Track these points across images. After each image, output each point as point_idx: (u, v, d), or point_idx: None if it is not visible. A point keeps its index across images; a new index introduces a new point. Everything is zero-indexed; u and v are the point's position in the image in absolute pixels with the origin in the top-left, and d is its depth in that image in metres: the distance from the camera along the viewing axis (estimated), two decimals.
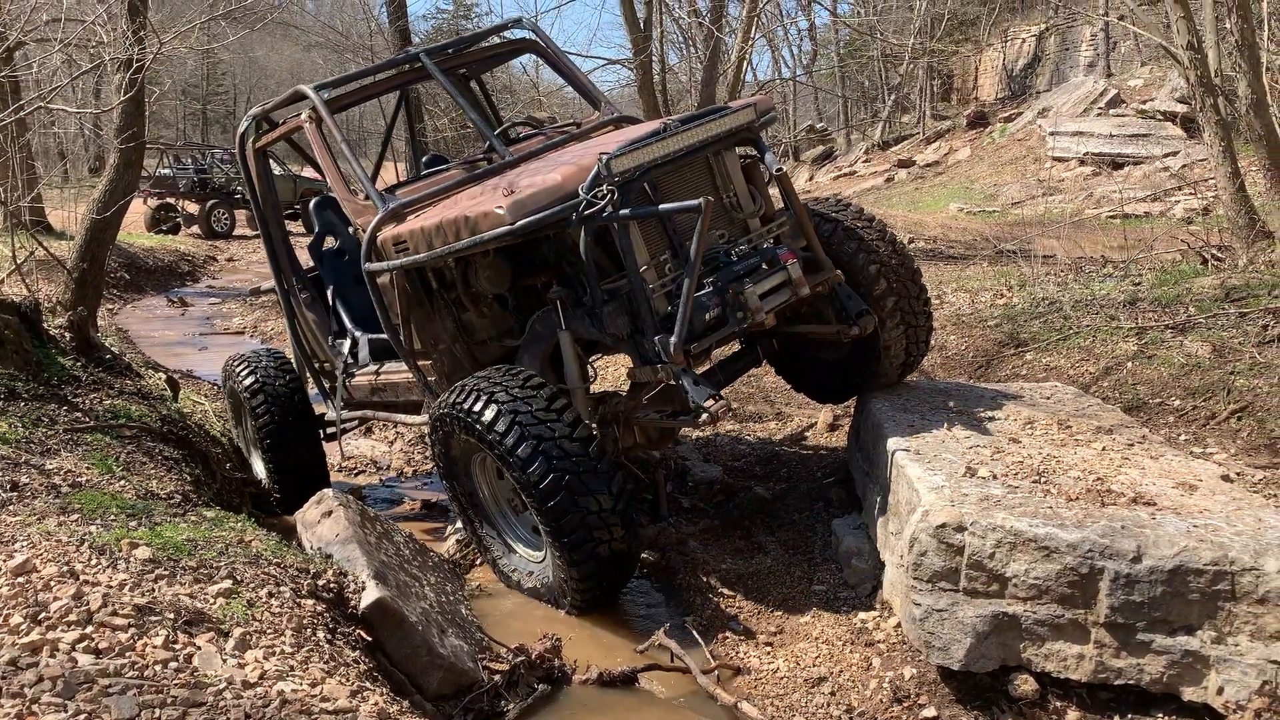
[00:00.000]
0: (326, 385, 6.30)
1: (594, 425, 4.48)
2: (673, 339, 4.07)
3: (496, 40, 6.55)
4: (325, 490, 4.45)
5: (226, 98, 49.56)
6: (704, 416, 4.08)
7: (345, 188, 5.18)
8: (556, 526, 4.12)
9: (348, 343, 5.86)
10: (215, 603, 3.06)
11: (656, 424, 4.58)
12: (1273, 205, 7.32)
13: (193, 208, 25.18)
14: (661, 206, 4.12)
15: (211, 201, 24.67)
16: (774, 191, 4.93)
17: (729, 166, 4.67)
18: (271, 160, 6.42)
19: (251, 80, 46.85)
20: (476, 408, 4.20)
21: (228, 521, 4.11)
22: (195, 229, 24.72)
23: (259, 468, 6.52)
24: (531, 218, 4.09)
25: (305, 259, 6.54)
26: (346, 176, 5.33)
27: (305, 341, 6.33)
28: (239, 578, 3.31)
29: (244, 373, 6.29)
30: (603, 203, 3.99)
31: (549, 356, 4.71)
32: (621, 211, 4.03)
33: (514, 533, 4.73)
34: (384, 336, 5.25)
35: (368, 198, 5.02)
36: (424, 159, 6.69)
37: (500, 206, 4.12)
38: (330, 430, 6.32)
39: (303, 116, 5.31)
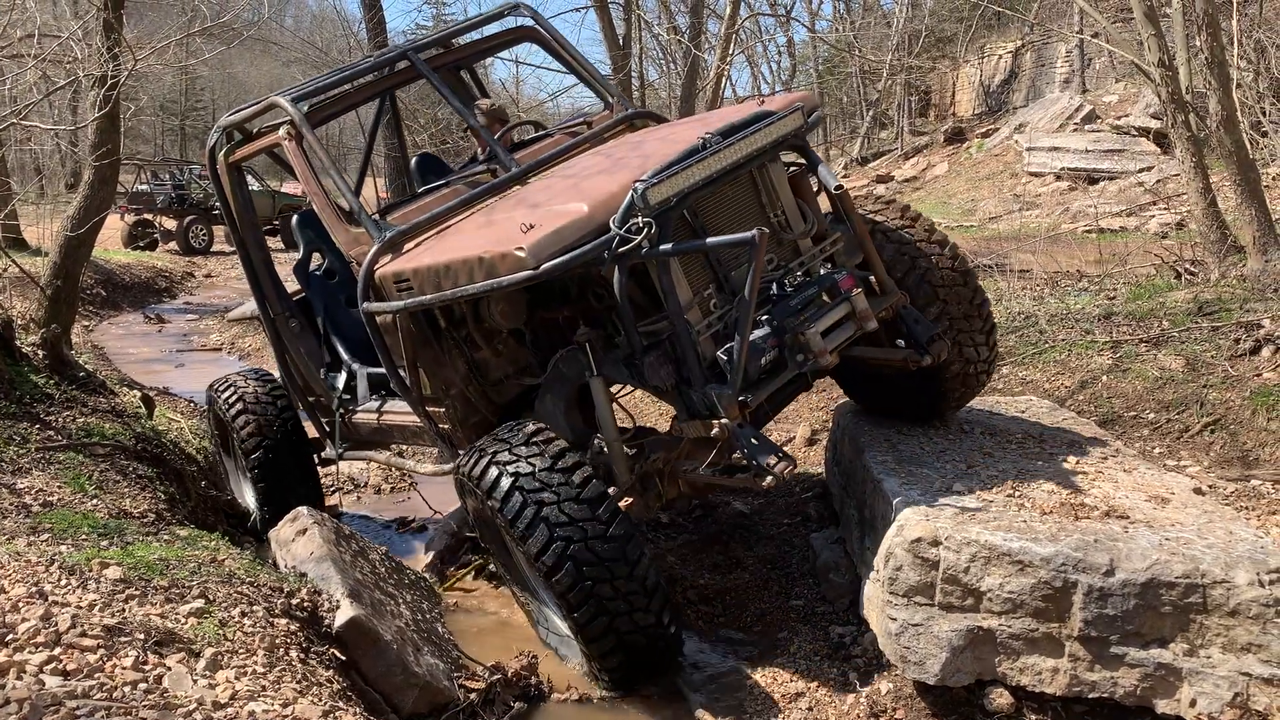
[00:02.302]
0: (325, 422, 5.64)
1: (633, 480, 3.95)
2: (727, 391, 3.58)
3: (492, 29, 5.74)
4: (300, 508, 4.42)
5: (205, 113, 49.37)
6: (768, 479, 3.53)
7: (334, 213, 4.59)
8: (566, 606, 3.61)
9: (343, 376, 5.35)
10: (187, 623, 3.04)
11: (706, 480, 3.93)
12: (1243, 220, 7.40)
13: (170, 223, 25.05)
14: (709, 241, 3.61)
15: (189, 217, 24.55)
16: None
17: (775, 180, 4.13)
18: (247, 174, 5.97)
19: (230, 96, 46.69)
20: (477, 471, 3.73)
21: (201, 540, 4.08)
22: (173, 245, 24.59)
23: (249, 499, 6.02)
24: (557, 261, 3.51)
25: (286, 275, 6.06)
26: (335, 200, 4.73)
27: (296, 374, 5.69)
28: (211, 597, 3.29)
29: (230, 398, 5.78)
30: (639, 238, 3.47)
31: (575, 398, 4.18)
32: (661, 247, 3.52)
33: (544, 599, 4.20)
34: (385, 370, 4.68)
35: (359, 223, 4.47)
36: (415, 161, 6.01)
37: (520, 247, 3.54)
38: (326, 455, 5.78)
39: (280, 133, 4.72)
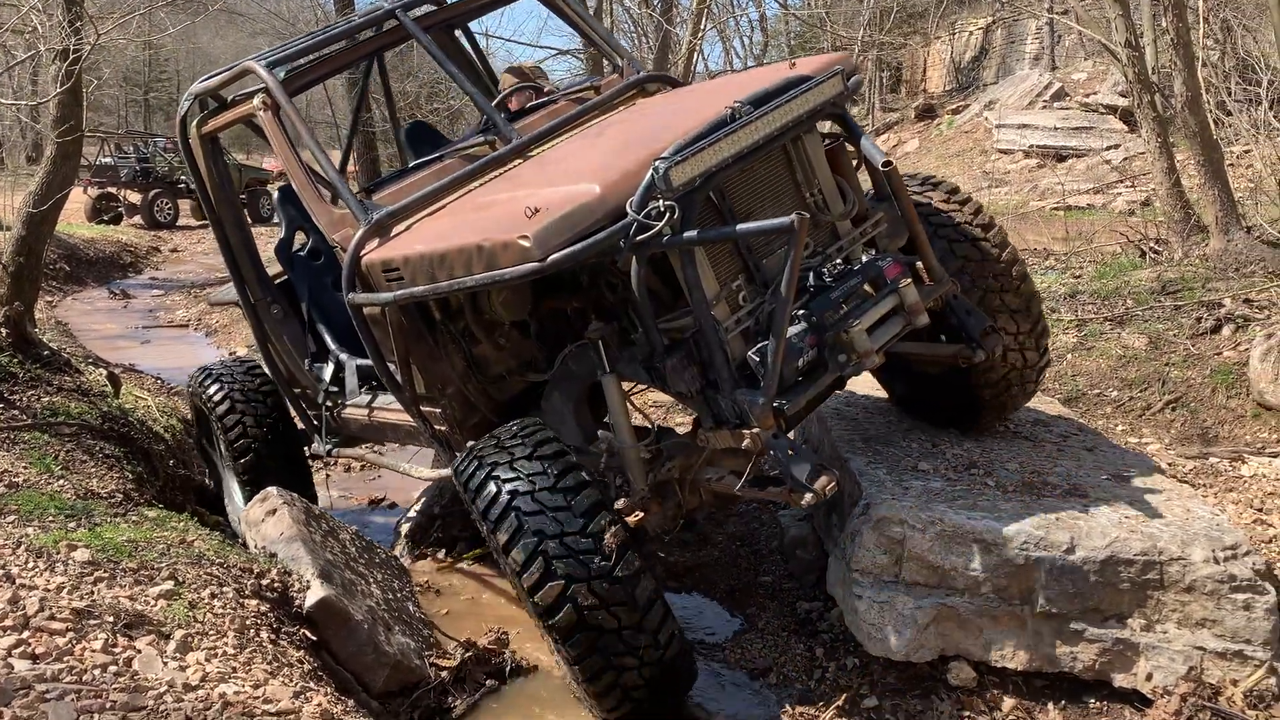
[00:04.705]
0: (311, 415, 5.24)
1: (648, 490, 3.52)
2: (760, 398, 3.14)
3: None
4: (270, 488, 4.41)
5: (169, 84, 48.58)
6: (807, 497, 3.12)
7: (314, 191, 4.18)
8: (563, 648, 3.23)
9: (330, 367, 4.93)
10: (156, 605, 3.04)
11: (734, 492, 3.43)
12: (1206, 200, 7.49)
13: (135, 197, 24.70)
14: (740, 228, 3.15)
15: (154, 191, 24.24)
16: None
17: (811, 154, 3.63)
18: None
19: (196, 67, 45.92)
20: (474, 483, 3.32)
21: (170, 521, 4.07)
22: (138, 219, 24.27)
23: (237, 497, 5.54)
24: (567, 252, 3.07)
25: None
26: (315, 177, 4.33)
27: (280, 365, 5.25)
28: (181, 579, 3.29)
29: (214, 391, 5.37)
30: (660, 224, 3.01)
31: (585, 397, 3.83)
32: (686, 235, 3.07)
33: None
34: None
35: (343, 203, 4.05)
36: (405, 131, 5.39)
37: (524, 236, 3.09)
38: (314, 450, 5.38)
39: (255, 103, 4.31)
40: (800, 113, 3.39)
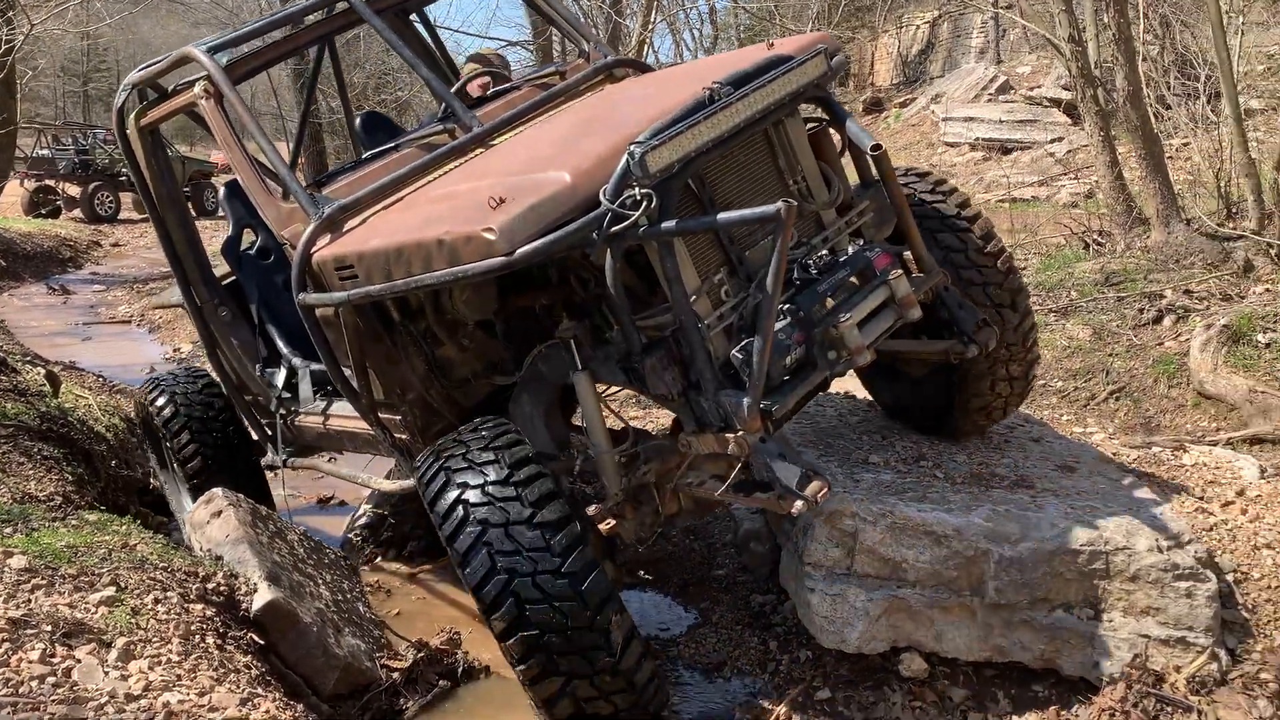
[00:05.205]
0: (264, 424, 4.97)
1: (623, 496, 3.33)
2: (745, 399, 2.95)
3: None
4: (214, 489, 4.32)
5: (109, 75, 47.51)
6: (798, 505, 2.96)
7: (261, 185, 3.94)
8: (533, 692, 3.01)
9: (283, 373, 4.68)
10: (97, 612, 2.96)
11: (718, 499, 3.26)
12: (1148, 193, 7.63)
13: (74, 190, 24.12)
14: (722, 217, 2.92)
15: (94, 184, 23.68)
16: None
17: (794, 139, 3.47)
18: None
19: (136, 57, 44.95)
20: (433, 490, 3.06)
21: (112, 525, 3.98)
22: (77, 212, 23.71)
23: (189, 509, 5.17)
24: (535, 244, 2.85)
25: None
26: (262, 169, 4.12)
27: (230, 371, 5.00)
28: (123, 584, 3.21)
29: (161, 402, 5.11)
30: (636, 214, 2.81)
31: (556, 400, 3.64)
32: (664, 225, 2.85)
33: None
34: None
35: (292, 197, 3.81)
36: (360, 120, 5.09)
37: (489, 228, 2.87)
38: (268, 462, 5.14)
39: (196, 91, 4.06)
40: (783, 94, 3.19)
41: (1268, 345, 5.69)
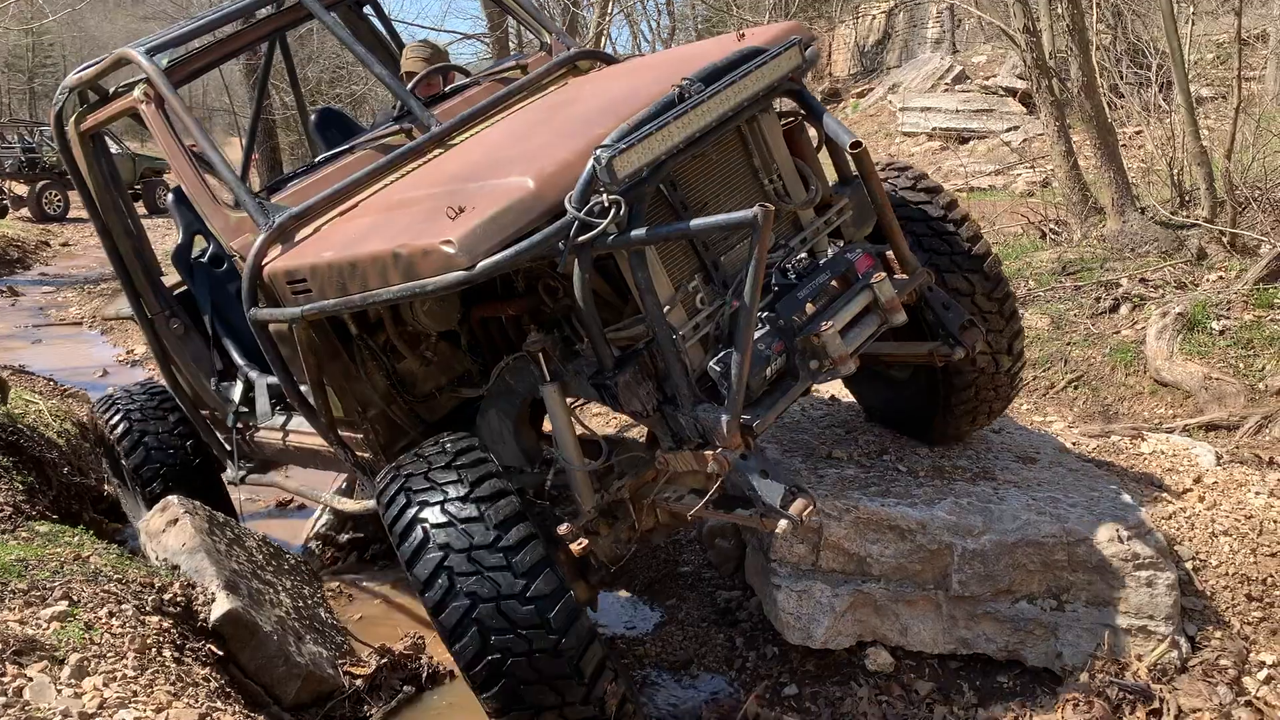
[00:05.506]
0: (222, 439, 4.77)
1: (596, 513, 3.15)
2: (725, 415, 2.79)
3: None
4: (170, 497, 4.23)
5: (56, 70, 46.55)
6: (781, 524, 2.80)
7: (207, 194, 3.73)
8: (471, 685, 2.82)
9: (239, 386, 4.49)
10: (49, 628, 2.89)
11: (696, 514, 3.05)
12: (1103, 182, 7.70)
13: (21, 189, 23.62)
14: (694, 224, 2.74)
15: (42, 182, 23.18)
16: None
17: (768, 136, 3.28)
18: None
19: (83, 52, 44.14)
20: (393, 512, 2.90)
21: (64, 536, 3.88)
22: (24, 212, 23.21)
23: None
24: (497, 258, 2.67)
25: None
26: (209, 177, 3.89)
27: (184, 386, 4.78)
28: (76, 598, 3.14)
29: (114, 420, 5.01)
30: (604, 222, 2.65)
31: (527, 414, 3.45)
32: (634, 233, 2.69)
33: None
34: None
35: (240, 205, 3.61)
36: (315, 118, 4.86)
37: (447, 240, 2.69)
38: (227, 478, 4.90)
39: (135, 94, 3.88)
40: (756, 89, 3.00)
41: (1221, 332, 5.77)
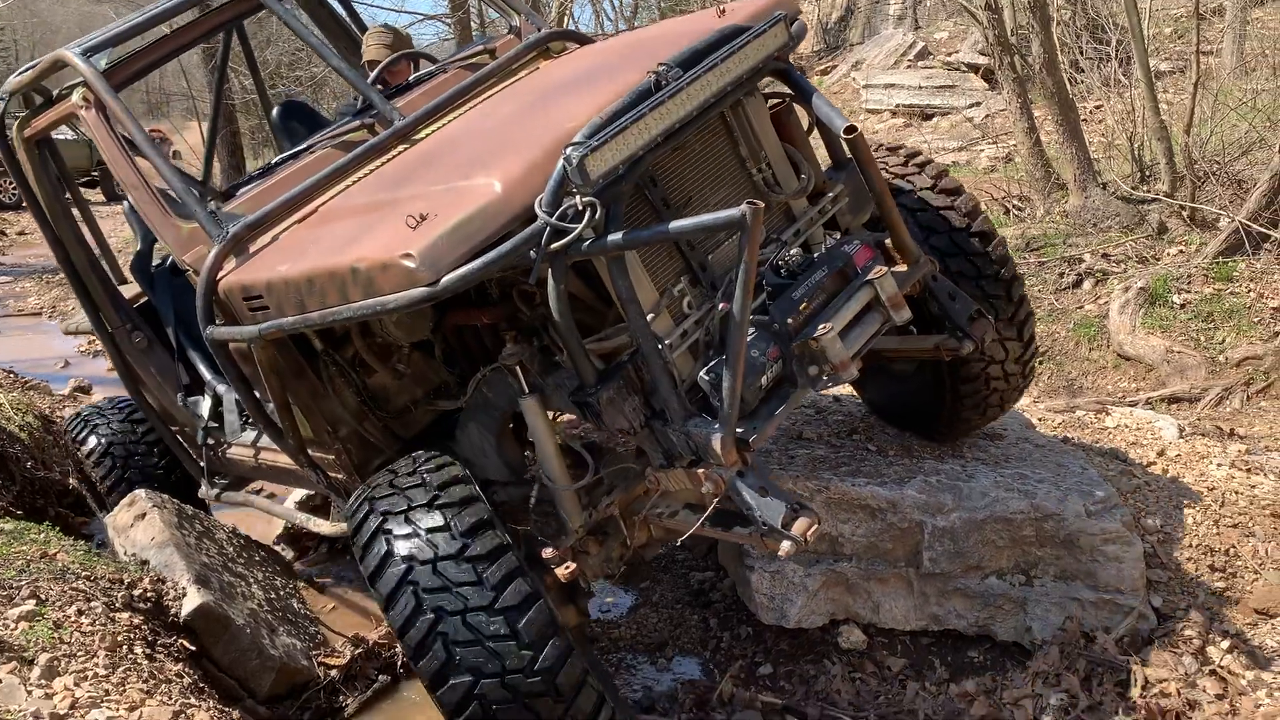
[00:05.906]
0: (193, 455, 4.55)
1: (583, 533, 2.94)
2: (718, 430, 2.57)
3: None
4: (137, 491, 4.18)
5: (7, 55, 45.68)
6: (785, 546, 2.56)
7: (156, 203, 3.45)
8: None
9: (207, 401, 4.26)
10: (17, 628, 2.85)
11: (692, 532, 2.81)
12: (1065, 158, 7.77)
13: None
14: (675, 226, 2.47)
15: None
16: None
17: (755, 121, 3.02)
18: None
19: (35, 37, 43.31)
20: (364, 538, 2.67)
21: (29, 534, 3.83)
22: None
23: None
24: (463, 271, 2.42)
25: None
26: (157, 185, 3.58)
27: (152, 401, 4.57)
28: (44, 597, 3.09)
29: (84, 438, 4.88)
30: (579, 227, 2.40)
31: (508, 427, 3.21)
32: (611, 238, 2.46)
33: None
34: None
35: (191, 215, 3.31)
36: (277, 112, 4.63)
37: (408, 254, 2.44)
38: (201, 495, 4.65)
39: (74, 99, 3.60)
40: (740, 72, 2.74)
41: (1182, 306, 5.85)
